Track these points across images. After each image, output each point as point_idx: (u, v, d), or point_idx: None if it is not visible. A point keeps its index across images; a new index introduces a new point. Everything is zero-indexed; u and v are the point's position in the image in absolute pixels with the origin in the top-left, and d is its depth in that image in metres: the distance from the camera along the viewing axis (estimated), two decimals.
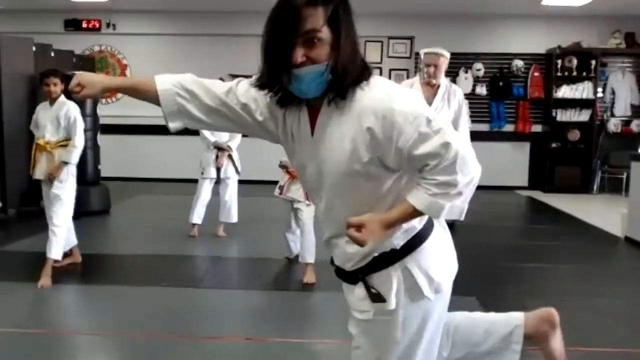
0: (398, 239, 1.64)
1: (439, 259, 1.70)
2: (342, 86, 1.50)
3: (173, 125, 1.73)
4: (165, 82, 1.71)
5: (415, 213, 1.58)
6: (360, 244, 1.56)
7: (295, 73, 1.45)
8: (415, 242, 1.65)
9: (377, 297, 1.64)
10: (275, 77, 1.51)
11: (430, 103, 4.26)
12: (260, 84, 1.58)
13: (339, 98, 1.52)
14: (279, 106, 1.62)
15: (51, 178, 4.50)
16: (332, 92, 1.51)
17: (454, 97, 4.58)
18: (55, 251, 4.50)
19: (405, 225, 1.62)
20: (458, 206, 1.65)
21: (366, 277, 1.67)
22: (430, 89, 4.60)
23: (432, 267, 1.67)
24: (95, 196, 7.17)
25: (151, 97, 1.72)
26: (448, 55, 4.68)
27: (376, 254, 1.64)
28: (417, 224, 1.65)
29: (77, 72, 1.70)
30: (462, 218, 3.86)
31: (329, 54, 1.46)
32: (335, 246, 1.73)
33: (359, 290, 1.69)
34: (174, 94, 1.70)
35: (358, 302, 1.70)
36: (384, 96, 1.50)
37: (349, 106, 1.52)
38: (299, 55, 1.44)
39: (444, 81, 4.65)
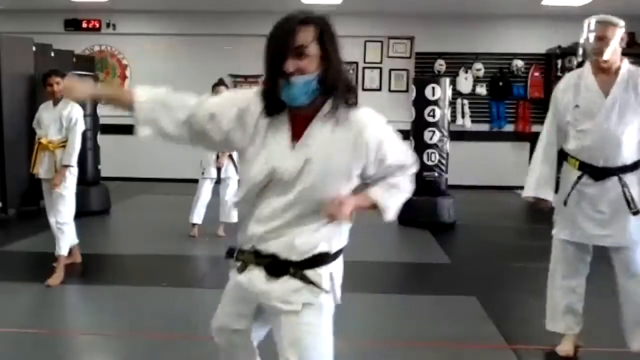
0: (333, 245, 1.86)
1: (341, 276, 1.94)
2: (335, 97, 1.75)
3: (142, 133, 1.89)
4: (142, 95, 1.89)
5: (371, 207, 1.89)
6: (334, 217, 1.78)
7: (288, 81, 1.68)
8: (339, 254, 1.91)
9: (314, 286, 1.84)
10: (274, 84, 1.73)
11: (606, 93, 3.20)
12: (264, 91, 1.79)
13: (335, 109, 1.76)
14: (265, 114, 1.80)
15: (53, 185, 4.51)
16: (330, 103, 1.76)
17: None
18: (65, 248, 4.59)
19: (345, 235, 1.89)
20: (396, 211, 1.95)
21: (302, 271, 1.84)
22: (606, 77, 3.30)
23: (338, 280, 1.91)
24: (95, 196, 7.18)
25: (127, 107, 1.91)
26: (621, 24, 3.42)
27: (316, 252, 1.82)
28: (345, 240, 1.91)
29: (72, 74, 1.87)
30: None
31: (317, 67, 1.70)
32: (282, 235, 1.82)
33: (293, 282, 1.84)
34: (150, 107, 1.88)
35: (289, 293, 1.84)
36: (378, 120, 1.86)
37: (348, 120, 1.77)
38: (291, 65, 1.67)
39: (625, 64, 3.39)
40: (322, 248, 1.83)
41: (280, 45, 1.68)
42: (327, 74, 1.70)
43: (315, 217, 1.79)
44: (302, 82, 1.68)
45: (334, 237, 1.86)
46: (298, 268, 1.83)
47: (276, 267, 1.84)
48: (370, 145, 1.80)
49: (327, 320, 1.91)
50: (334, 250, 1.87)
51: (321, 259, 1.84)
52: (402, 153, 1.91)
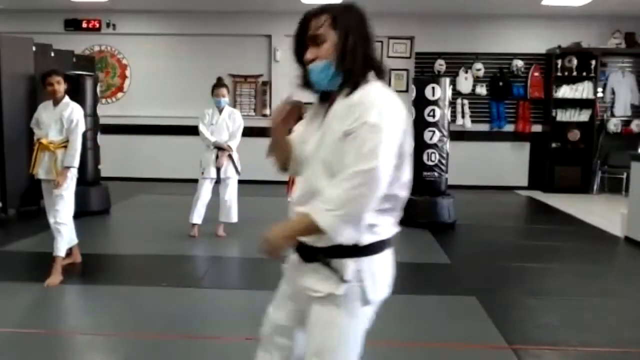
0: (365, 236, 1.75)
1: (384, 274, 1.87)
2: (351, 80, 1.77)
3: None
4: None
5: (309, 229, 1.72)
6: (269, 255, 1.78)
7: (308, 68, 1.81)
8: (377, 247, 1.81)
9: (335, 272, 1.77)
10: (302, 72, 1.86)
11: None
12: (300, 83, 1.89)
13: (351, 88, 1.77)
14: (320, 102, 1.90)
15: (57, 185, 4.51)
16: (348, 86, 1.78)
17: None
18: (62, 249, 4.57)
19: (378, 229, 1.77)
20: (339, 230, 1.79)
21: (327, 259, 1.79)
22: None
23: (378, 277, 1.83)
24: (95, 196, 7.17)
25: None
26: None
27: (339, 241, 1.74)
28: (385, 233, 1.82)
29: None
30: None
31: (333, 53, 1.77)
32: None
33: (321, 270, 1.80)
34: None
35: (315, 281, 1.81)
36: (374, 102, 1.73)
37: (355, 95, 1.75)
38: (308, 53, 1.80)
39: None
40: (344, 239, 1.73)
41: (298, 37, 1.83)
42: (343, 57, 1.76)
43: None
44: (318, 68, 1.79)
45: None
46: (324, 255, 1.78)
47: (304, 251, 1.84)
48: (346, 114, 1.73)
49: (350, 319, 1.82)
50: (366, 242, 1.76)
51: (345, 251, 1.75)
52: (361, 152, 1.66)
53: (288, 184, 4.70)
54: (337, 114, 1.76)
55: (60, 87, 4.64)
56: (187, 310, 4.03)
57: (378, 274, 1.83)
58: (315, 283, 1.81)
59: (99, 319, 3.92)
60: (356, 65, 1.77)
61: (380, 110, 1.68)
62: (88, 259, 5.08)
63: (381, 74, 1.81)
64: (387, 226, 1.83)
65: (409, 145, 1.77)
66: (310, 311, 1.85)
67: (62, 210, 4.55)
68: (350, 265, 1.76)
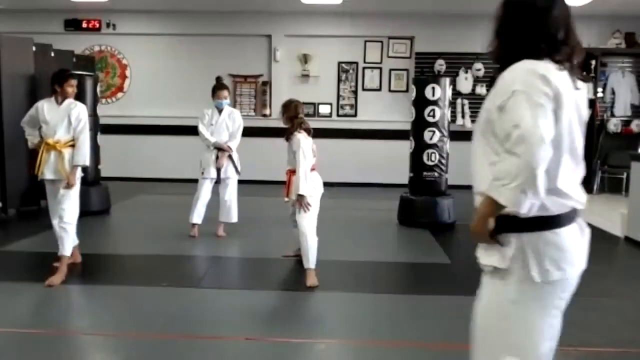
0: (531, 210, 1.70)
1: (553, 253, 1.78)
2: (496, 57, 2.13)
3: None
4: None
5: (493, 206, 1.73)
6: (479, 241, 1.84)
7: None
8: (543, 223, 1.75)
9: (500, 245, 1.77)
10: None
11: None
12: None
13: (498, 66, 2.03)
14: None
15: (69, 185, 4.51)
16: (497, 63, 2.06)
17: None
18: (68, 248, 4.56)
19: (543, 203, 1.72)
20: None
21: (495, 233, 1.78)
22: None
23: (544, 255, 1.76)
24: (95, 196, 7.17)
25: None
26: None
27: (522, 214, 1.71)
28: (554, 208, 1.76)
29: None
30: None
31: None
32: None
33: (489, 245, 1.82)
34: None
35: (482, 253, 1.86)
36: (516, 73, 1.88)
37: None
38: None
39: None
40: (506, 210, 1.73)
41: None
42: (497, 37, 2.00)
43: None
44: None
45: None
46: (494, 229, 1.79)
47: None
48: (497, 91, 1.86)
49: (509, 299, 1.79)
50: (529, 214, 1.72)
51: (508, 224, 1.73)
52: (515, 120, 1.69)
53: (286, 186, 4.69)
54: (493, 89, 1.91)
55: (75, 89, 4.68)
56: (187, 310, 4.03)
57: (544, 252, 1.76)
58: (483, 256, 1.84)
59: (99, 319, 3.93)
60: (499, 45, 1.96)
61: (525, 78, 1.76)
62: (88, 259, 5.08)
63: (554, 52, 1.82)
64: (555, 201, 1.76)
65: (570, 111, 1.76)
66: (481, 284, 1.88)
67: (69, 209, 4.54)
68: (512, 241, 1.75)
